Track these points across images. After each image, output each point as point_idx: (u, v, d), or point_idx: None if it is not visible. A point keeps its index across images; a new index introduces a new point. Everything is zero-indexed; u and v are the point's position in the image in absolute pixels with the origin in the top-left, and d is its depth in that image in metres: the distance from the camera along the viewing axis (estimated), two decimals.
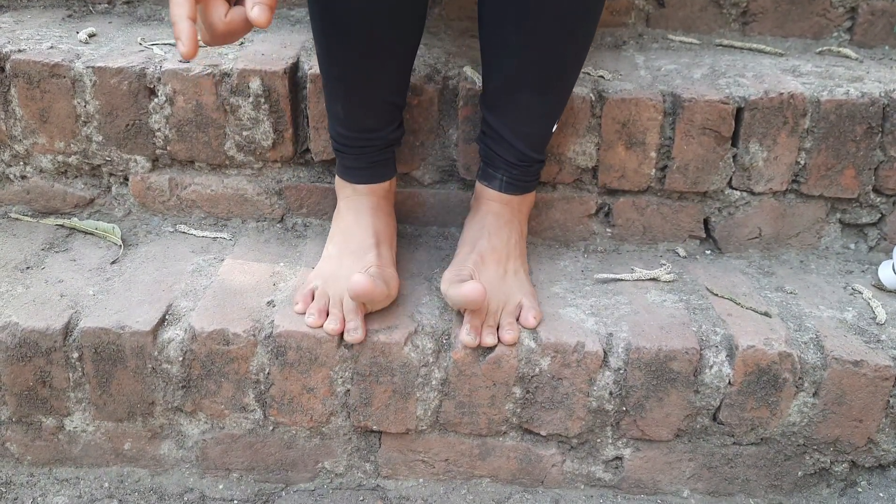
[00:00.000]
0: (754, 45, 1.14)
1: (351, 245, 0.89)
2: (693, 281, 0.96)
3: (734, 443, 0.89)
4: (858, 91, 0.97)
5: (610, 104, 0.95)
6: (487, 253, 0.89)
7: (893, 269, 0.96)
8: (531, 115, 0.87)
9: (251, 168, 1.02)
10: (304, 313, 0.84)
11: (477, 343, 0.82)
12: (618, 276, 0.96)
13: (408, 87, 0.91)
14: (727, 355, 0.84)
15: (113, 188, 1.04)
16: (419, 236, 1.04)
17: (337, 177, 0.95)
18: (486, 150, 0.91)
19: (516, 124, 0.87)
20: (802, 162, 0.99)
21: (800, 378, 0.84)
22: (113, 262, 0.95)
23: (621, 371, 0.84)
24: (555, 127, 0.89)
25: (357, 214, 0.92)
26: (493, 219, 0.91)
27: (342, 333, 0.82)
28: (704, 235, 1.04)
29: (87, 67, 0.96)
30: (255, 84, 0.95)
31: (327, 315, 0.83)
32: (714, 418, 0.87)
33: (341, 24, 0.79)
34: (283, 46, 1.03)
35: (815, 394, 0.85)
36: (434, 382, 0.85)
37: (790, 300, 0.93)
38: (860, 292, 0.95)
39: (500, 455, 0.90)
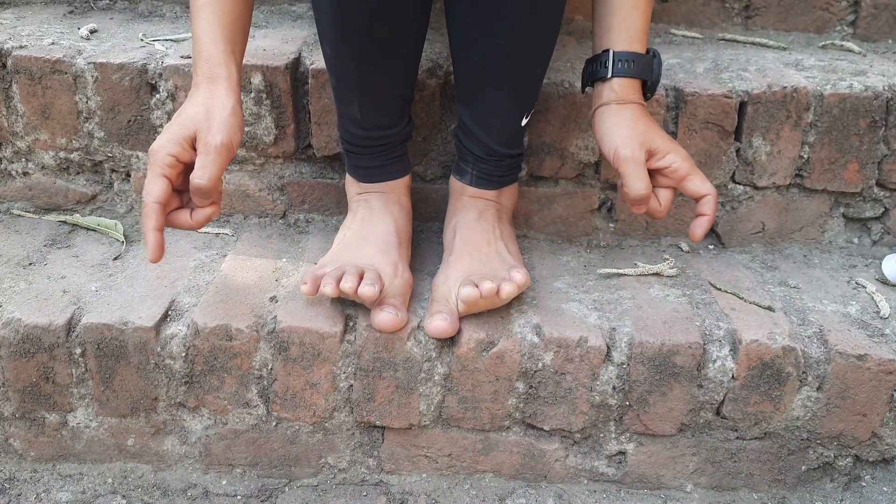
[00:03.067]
0: (757, 40, 1.13)
1: (373, 235, 0.89)
2: (696, 275, 0.96)
3: (738, 437, 0.89)
4: (862, 85, 0.96)
5: None
6: (461, 248, 0.89)
7: None
8: (496, 109, 0.87)
9: (253, 164, 1.01)
10: (310, 293, 0.81)
11: (478, 294, 0.80)
12: (621, 271, 0.95)
13: (416, 81, 0.91)
14: (730, 350, 0.84)
15: (115, 184, 1.04)
16: (422, 231, 1.03)
17: (349, 178, 0.94)
18: (458, 144, 0.92)
19: (483, 118, 0.87)
20: (806, 156, 0.99)
21: (803, 372, 0.84)
22: (115, 258, 0.95)
23: (624, 366, 0.84)
24: (524, 121, 0.88)
25: (376, 211, 0.92)
26: (465, 213, 0.92)
27: (345, 329, 0.82)
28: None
29: (89, 63, 0.96)
30: (256, 79, 0.95)
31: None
32: (717, 413, 0.87)
33: (353, 27, 0.79)
34: (285, 42, 1.02)
35: (818, 388, 0.85)
36: (437, 377, 0.85)
37: (793, 294, 0.93)
38: (864, 286, 0.95)
39: (503, 450, 0.90)
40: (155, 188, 0.73)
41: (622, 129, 0.78)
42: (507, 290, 0.81)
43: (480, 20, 0.80)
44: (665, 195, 0.81)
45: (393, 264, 0.86)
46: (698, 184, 0.79)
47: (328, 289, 0.79)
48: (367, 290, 0.79)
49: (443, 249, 0.95)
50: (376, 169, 0.91)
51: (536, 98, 0.89)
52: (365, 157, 0.91)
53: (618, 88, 0.80)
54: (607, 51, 0.80)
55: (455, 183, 0.93)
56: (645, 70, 0.81)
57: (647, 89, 0.82)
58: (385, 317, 0.81)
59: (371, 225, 0.90)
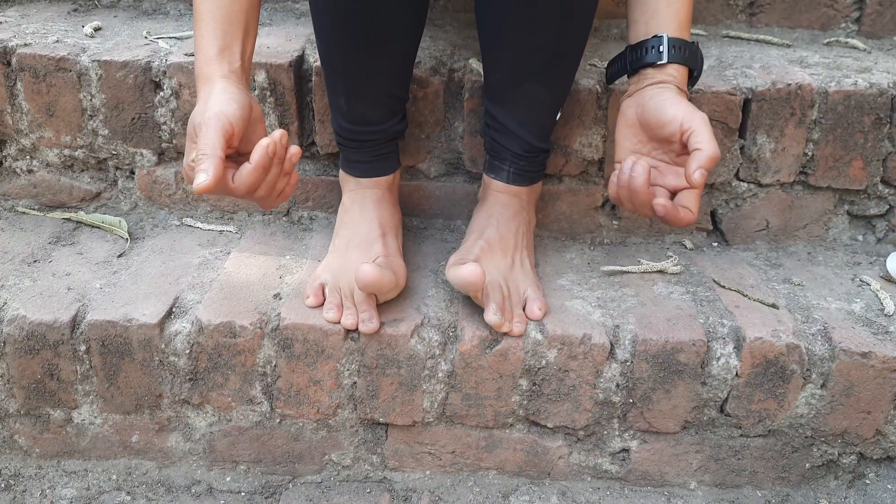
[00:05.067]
0: (761, 37, 1.13)
1: (357, 238, 0.89)
2: (700, 273, 0.96)
3: (741, 435, 0.88)
4: (866, 82, 0.96)
5: (616, 96, 0.95)
6: (495, 241, 0.89)
7: None
8: (536, 105, 0.86)
9: None
10: (316, 307, 0.84)
11: (500, 324, 0.81)
12: (624, 269, 0.95)
13: (410, 80, 0.91)
14: (734, 347, 0.84)
15: (119, 182, 1.04)
16: (425, 229, 1.03)
17: (341, 170, 0.95)
18: (492, 143, 0.91)
19: (521, 115, 0.87)
20: (810, 153, 0.99)
21: (807, 370, 0.84)
22: (119, 256, 0.96)
23: (628, 363, 0.84)
24: (558, 115, 0.89)
25: (362, 207, 0.92)
26: (501, 209, 0.91)
27: (356, 326, 0.82)
28: (711, 227, 1.04)
29: (93, 61, 0.96)
30: (260, 77, 0.95)
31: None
32: (721, 410, 0.87)
33: (342, 16, 0.79)
34: (288, 39, 1.02)
35: (822, 385, 0.85)
36: (440, 375, 0.85)
37: (798, 292, 0.93)
38: (868, 284, 0.95)
39: (506, 447, 0.90)
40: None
41: (686, 104, 0.74)
42: (519, 331, 0.83)
43: (522, 18, 0.79)
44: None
45: (374, 258, 0.87)
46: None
47: (330, 315, 0.83)
48: (365, 329, 0.82)
49: (446, 246, 0.95)
50: (363, 163, 0.92)
51: (569, 91, 0.89)
52: (352, 150, 0.91)
53: (675, 74, 0.76)
54: (659, 36, 0.77)
55: (490, 181, 0.93)
56: (693, 59, 0.77)
57: (690, 82, 0.79)
58: (366, 268, 0.79)
59: (355, 228, 0.91)
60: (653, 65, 0.77)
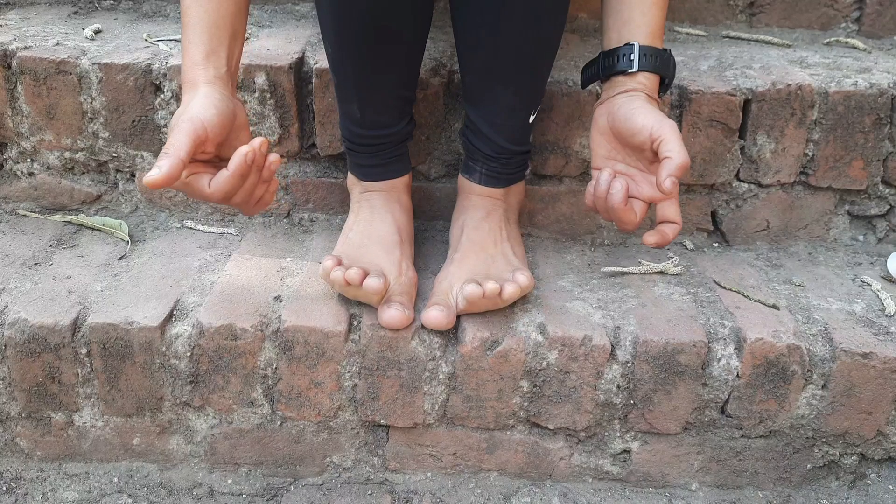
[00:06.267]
0: (761, 37, 1.13)
1: (376, 234, 0.90)
2: (701, 274, 0.96)
3: (742, 435, 0.88)
4: (867, 82, 0.96)
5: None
6: (467, 247, 0.89)
7: None
8: (505, 107, 0.86)
9: None
10: (333, 267, 0.82)
11: (481, 293, 0.80)
12: (625, 270, 0.95)
13: (417, 81, 0.91)
14: (735, 348, 0.84)
15: (120, 184, 1.04)
16: (426, 230, 1.04)
17: (351, 176, 0.95)
18: (466, 143, 0.92)
19: (492, 117, 0.87)
20: (810, 153, 0.99)
21: (808, 370, 0.84)
22: (120, 258, 0.96)
23: (629, 364, 0.84)
24: (532, 118, 0.88)
25: (377, 210, 0.92)
26: (473, 212, 0.92)
27: (349, 328, 0.82)
28: (712, 228, 1.04)
29: (93, 64, 0.96)
30: (260, 79, 0.95)
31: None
32: (722, 411, 0.87)
33: (353, 21, 0.79)
34: (288, 41, 1.03)
35: (823, 386, 0.85)
36: (441, 376, 0.85)
37: (798, 292, 0.93)
38: (869, 284, 0.95)
39: (507, 449, 0.90)
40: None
41: (655, 112, 0.75)
42: (510, 291, 0.81)
43: (488, 21, 0.79)
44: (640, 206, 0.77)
45: (397, 263, 0.86)
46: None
47: (337, 273, 0.80)
48: (372, 283, 0.80)
49: (447, 248, 0.95)
50: (376, 167, 0.92)
51: (543, 95, 0.89)
52: (365, 155, 0.91)
53: (645, 82, 0.78)
54: (631, 44, 0.78)
55: (464, 182, 0.93)
56: (665, 67, 0.79)
57: (662, 89, 0.81)
58: (393, 313, 0.81)
59: (373, 226, 0.90)
60: (624, 72, 0.78)
